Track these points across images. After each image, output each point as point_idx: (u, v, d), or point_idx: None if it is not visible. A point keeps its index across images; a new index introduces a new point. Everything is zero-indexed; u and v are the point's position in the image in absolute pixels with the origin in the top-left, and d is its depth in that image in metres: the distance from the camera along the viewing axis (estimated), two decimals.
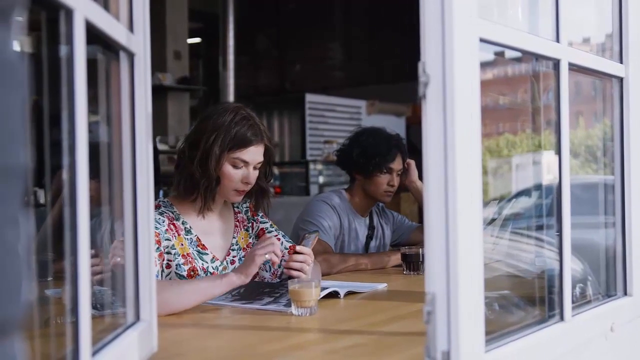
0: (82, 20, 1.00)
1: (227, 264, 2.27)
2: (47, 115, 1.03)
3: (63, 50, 1.00)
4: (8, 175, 0.55)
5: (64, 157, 0.99)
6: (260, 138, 2.19)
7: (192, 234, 2.21)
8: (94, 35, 1.09)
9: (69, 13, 0.98)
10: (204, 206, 2.21)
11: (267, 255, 1.96)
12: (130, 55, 1.33)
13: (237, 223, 2.36)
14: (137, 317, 1.34)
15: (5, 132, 0.54)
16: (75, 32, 0.99)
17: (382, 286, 2.33)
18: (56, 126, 1.01)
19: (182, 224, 2.21)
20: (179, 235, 2.17)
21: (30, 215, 0.59)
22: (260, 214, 2.42)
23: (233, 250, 2.31)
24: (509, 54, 1.54)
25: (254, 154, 2.18)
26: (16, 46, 0.58)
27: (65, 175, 0.99)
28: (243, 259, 2.28)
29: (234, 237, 2.33)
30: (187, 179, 2.18)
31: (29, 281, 0.58)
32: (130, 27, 1.33)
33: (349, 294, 2.15)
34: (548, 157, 1.86)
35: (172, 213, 2.20)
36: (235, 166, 2.17)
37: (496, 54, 1.45)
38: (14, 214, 0.56)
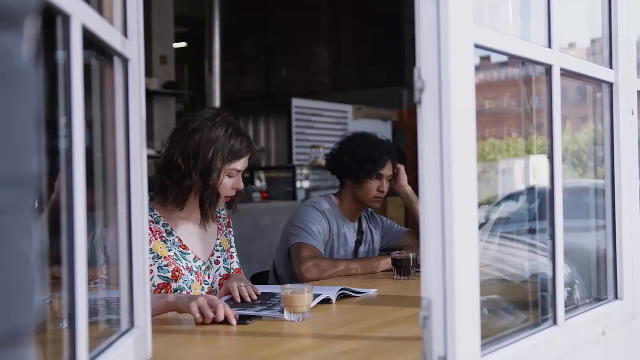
0: (79, 26, 1.00)
1: (211, 263, 2.33)
2: (43, 120, 1.02)
3: (59, 55, 0.99)
4: (21, 183, 0.55)
5: (61, 162, 0.99)
6: (251, 148, 2.30)
7: (174, 235, 2.25)
8: (89, 41, 1.09)
9: (66, 19, 0.97)
10: (207, 217, 2.27)
11: (197, 316, 1.81)
12: (125, 61, 1.32)
13: (220, 226, 2.43)
14: (132, 324, 1.34)
15: (17, 141, 0.54)
16: (73, 38, 0.98)
17: (373, 291, 2.33)
18: (51, 132, 1.00)
19: (163, 226, 2.25)
20: (156, 239, 2.20)
21: (41, 223, 0.59)
22: (231, 227, 2.50)
23: (217, 251, 2.37)
24: (494, 58, 1.55)
25: (245, 162, 2.30)
26: (27, 54, 0.58)
27: (62, 181, 0.99)
28: (227, 260, 2.38)
29: (217, 239, 2.39)
30: (185, 191, 2.22)
31: (40, 289, 0.58)
32: (125, 33, 1.32)
33: (342, 297, 2.15)
34: (535, 162, 1.87)
35: (152, 216, 2.23)
36: (230, 176, 2.26)
37: (482, 58, 1.46)
38: (27, 222, 0.56)
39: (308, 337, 1.73)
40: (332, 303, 2.09)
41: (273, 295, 2.15)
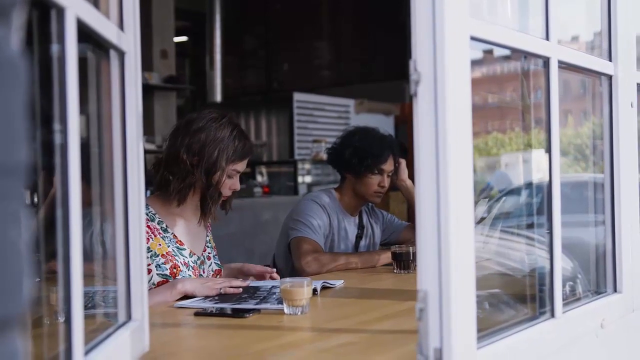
0: (74, 18, 1.00)
1: (204, 258, 2.38)
2: (38, 114, 1.02)
3: (54, 48, 0.99)
4: (10, 172, 0.55)
5: (56, 157, 0.99)
6: (252, 150, 2.36)
7: (168, 232, 2.28)
8: (84, 34, 1.09)
9: (61, 11, 0.97)
10: (207, 214, 2.32)
11: (222, 290, 2.11)
12: (121, 54, 1.32)
13: (208, 224, 2.47)
14: (129, 317, 1.34)
15: (7, 131, 0.54)
16: (67, 31, 0.98)
17: (340, 282, 2.35)
18: (46, 126, 1.00)
19: (158, 223, 2.27)
20: (155, 236, 2.23)
21: (30, 213, 0.60)
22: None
23: (208, 247, 2.43)
24: (497, 52, 1.55)
25: (245, 164, 2.35)
26: (16, 45, 0.58)
27: (57, 176, 0.99)
28: (216, 256, 2.44)
29: (207, 235, 2.45)
30: (187, 187, 2.25)
31: (30, 278, 0.58)
32: (121, 26, 1.32)
33: (324, 289, 2.20)
34: (537, 156, 1.87)
35: (147, 214, 2.25)
36: (230, 176, 2.30)
37: (484, 52, 1.45)
38: (16, 211, 0.56)
39: (306, 330, 1.73)
40: (317, 294, 2.10)
41: (258, 288, 2.17)
